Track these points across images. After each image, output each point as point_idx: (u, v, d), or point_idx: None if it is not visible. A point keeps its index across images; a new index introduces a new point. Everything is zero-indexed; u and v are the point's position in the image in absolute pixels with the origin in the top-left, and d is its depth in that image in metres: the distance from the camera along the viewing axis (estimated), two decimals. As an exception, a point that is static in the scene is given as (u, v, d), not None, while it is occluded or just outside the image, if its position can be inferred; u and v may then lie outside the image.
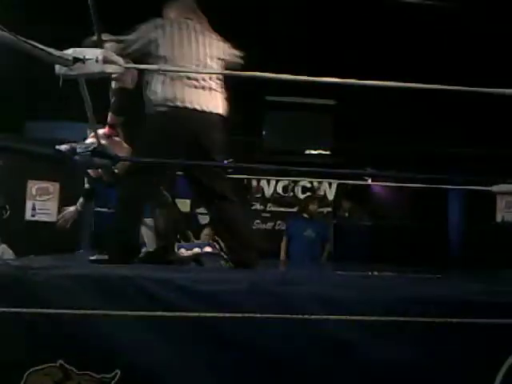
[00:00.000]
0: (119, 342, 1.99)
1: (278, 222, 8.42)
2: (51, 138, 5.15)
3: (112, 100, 3.28)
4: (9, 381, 1.94)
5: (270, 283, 2.16)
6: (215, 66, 3.11)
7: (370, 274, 3.56)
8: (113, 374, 1.96)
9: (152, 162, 2.86)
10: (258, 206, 8.53)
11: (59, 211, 4.15)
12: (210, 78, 3.05)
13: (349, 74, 2.20)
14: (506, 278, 3.14)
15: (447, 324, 2.01)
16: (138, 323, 1.99)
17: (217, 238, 3.32)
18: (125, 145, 3.29)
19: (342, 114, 7.70)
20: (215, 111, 3.04)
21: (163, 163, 2.95)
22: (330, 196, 8.54)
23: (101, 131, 3.12)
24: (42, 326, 1.96)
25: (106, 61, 1.89)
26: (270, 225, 8.50)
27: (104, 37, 2.65)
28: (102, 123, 3.24)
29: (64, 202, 4.40)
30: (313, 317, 2.00)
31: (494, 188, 3.52)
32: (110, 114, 3.27)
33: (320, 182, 8.24)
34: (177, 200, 3.70)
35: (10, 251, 5.16)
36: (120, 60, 2.01)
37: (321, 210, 7.84)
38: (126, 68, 2.24)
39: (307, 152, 8.28)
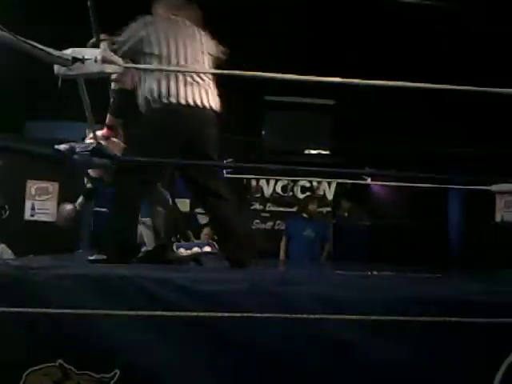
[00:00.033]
0: (119, 341, 1.99)
1: (278, 221, 8.42)
2: (51, 137, 5.15)
3: (111, 101, 3.28)
4: (8, 381, 1.94)
5: (270, 283, 2.16)
6: (206, 62, 3.12)
7: (369, 273, 3.56)
8: (112, 373, 1.96)
9: (150, 161, 2.86)
10: (257, 206, 8.54)
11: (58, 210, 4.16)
12: (204, 74, 3.06)
13: (349, 74, 2.20)
14: (505, 278, 3.14)
15: (447, 324, 2.01)
16: (138, 323, 1.99)
17: (216, 238, 3.32)
18: (123, 145, 3.29)
19: (342, 114, 7.71)
20: (209, 106, 3.04)
21: (161, 162, 2.95)
22: (330, 196, 8.54)
23: (99, 133, 3.12)
24: (42, 325, 1.96)
25: (104, 61, 1.89)
26: (269, 224, 8.50)
27: (102, 37, 2.65)
28: (102, 123, 3.24)
29: (63, 201, 4.41)
30: (313, 317, 2.00)
31: (494, 187, 3.52)
32: (108, 116, 3.27)
33: (319, 182, 8.25)
34: (177, 200, 3.70)
35: (10, 251, 5.15)
36: (119, 60, 2.01)
37: (320, 209, 7.84)
38: (125, 68, 2.24)
39: (307, 152, 8.28)
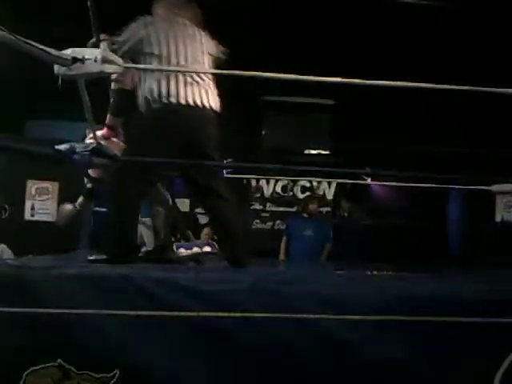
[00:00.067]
0: (119, 341, 1.99)
1: (278, 221, 8.42)
2: (51, 137, 5.16)
3: (111, 101, 3.28)
4: (8, 380, 1.94)
5: (270, 283, 2.16)
6: (206, 62, 3.12)
7: (369, 273, 3.56)
8: (112, 373, 1.96)
9: (150, 161, 2.86)
10: (257, 206, 8.53)
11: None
12: (204, 74, 3.06)
13: (348, 74, 2.20)
14: (505, 278, 3.14)
15: (447, 323, 2.02)
16: (138, 323, 1.99)
17: (216, 238, 3.32)
18: (123, 145, 3.29)
19: (341, 114, 7.70)
20: (209, 106, 3.04)
21: (161, 163, 2.95)
22: (330, 196, 8.54)
23: (99, 133, 3.12)
24: (42, 325, 1.97)
25: (104, 61, 1.89)
26: (269, 224, 8.50)
27: (102, 37, 2.65)
28: (102, 123, 3.23)
29: (63, 201, 4.41)
30: (313, 317, 2.00)
31: (494, 187, 3.52)
32: (108, 116, 3.27)
33: (319, 182, 8.24)
34: (177, 200, 3.70)
35: (10, 251, 5.15)
36: (119, 60, 2.01)
37: (320, 209, 7.84)
38: (125, 68, 2.24)
39: (306, 152, 8.28)
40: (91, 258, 2.93)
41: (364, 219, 8.24)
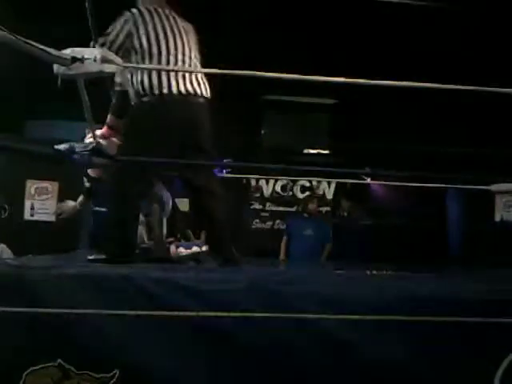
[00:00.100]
0: (118, 341, 1.99)
1: (277, 221, 8.41)
2: (51, 137, 5.15)
3: (113, 101, 3.28)
4: (8, 380, 1.94)
5: (270, 283, 2.16)
6: (194, 52, 3.13)
7: (369, 273, 3.56)
8: (112, 373, 1.96)
9: (149, 160, 2.85)
10: (256, 206, 8.53)
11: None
12: (194, 63, 3.07)
13: (348, 74, 2.20)
14: (505, 278, 3.14)
15: (447, 323, 2.02)
16: (138, 323, 1.99)
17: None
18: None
19: (341, 114, 7.70)
20: (200, 93, 3.05)
21: (160, 163, 2.95)
22: (329, 195, 8.54)
23: (99, 132, 3.12)
24: (42, 325, 1.97)
25: (104, 60, 1.89)
26: (268, 224, 8.49)
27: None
28: (102, 123, 3.24)
29: (64, 200, 4.41)
30: (313, 317, 2.00)
31: (493, 187, 3.52)
32: (109, 115, 3.27)
33: (319, 182, 8.24)
34: (177, 200, 3.70)
35: (9, 251, 5.15)
36: (118, 59, 2.01)
37: (320, 209, 7.83)
38: (124, 67, 2.24)
39: (306, 151, 8.28)
40: (91, 257, 2.93)
41: (364, 219, 8.24)
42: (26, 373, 1.93)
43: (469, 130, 6.86)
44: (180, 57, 3.03)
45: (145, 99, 2.96)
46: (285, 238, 6.70)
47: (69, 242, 5.46)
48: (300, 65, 2.86)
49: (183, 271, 2.63)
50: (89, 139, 3.06)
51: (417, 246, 7.25)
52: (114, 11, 3.00)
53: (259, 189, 8.54)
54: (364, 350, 2.02)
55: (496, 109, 5.09)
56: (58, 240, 5.04)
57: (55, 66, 1.88)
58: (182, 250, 3.42)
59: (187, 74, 3.00)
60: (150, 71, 2.94)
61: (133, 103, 3.03)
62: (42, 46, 1.73)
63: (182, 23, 3.14)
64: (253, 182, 8.50)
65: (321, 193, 8.48)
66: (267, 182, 8.53)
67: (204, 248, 3.40)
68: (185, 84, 2.98)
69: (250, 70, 2.16)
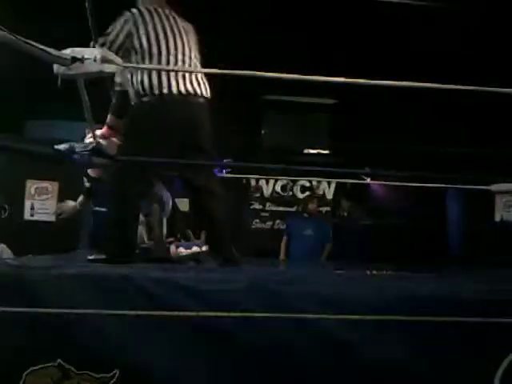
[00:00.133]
0: (118, 341, 1.99)
1: (277, 221, 8.41)
2: (51, 137, 5.15)
3: (113, 101, 3.28)
4: (8, 380, 1.94)
5: (270, 283, 2.16)
6: (194, 52, 3.13)
7: (369, 273, 3.56)
8: (112, 373, 1.96)
9: (149, 161, 2.85)
10: (256, 206, 8.53)
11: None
12: (194, 63, 3.07)
13: (348, 74, 2.20)
14: (505, 278, 3.14)
15: (447, 323, 2.02)
16: (138, 323, 1.99)
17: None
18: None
19: (341, 114, 7.70)
20: (200, 93, 3.05)
21: (161, 163, 2.95)
22: (329, 195, 8.54)
23: (99, 132, 3.12)
24: (42, 325, 1.97)
25: (104, 60, 1.89)
26: (268, 224, 8.49)
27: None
28: (102, 123, 3.24)
29: (64, 200, 4.42)
30: (313, 317, 2.00)
31: (493, 187, 3.52)
32: (109, 115, 3.27)
33: (319, 182, 8.24)
34: (177, 200, 3.70)
35: (9, 251, 5.15)
36: (118, 59, 2.01)
37: (320, 209, 7.84)
38: (124, 67, 2.24)
39: (306, 151, 8.28)
40: (91, 257, 2.93)
41: (364, 219, 8.24)
42: (25, 373, 1.93)
43: (469, 129, 6.86)
44: (180, 57, 3.03)
45: (145, 99, 2.96)
46: (285, 238, 6.71)
47: (69, 241, 5.46)
48: (300, 65, 2.86)
49: (183, 271, 2.63)
50: (89, 139, 3.06)
51: (417, 246, 7.25)
52: (114, 11, 3.00)
53: (259, 189, 8.54)
54: (364, 350, 2.02)
55: (496, 109, 5.09)
56: (58, 240, 5.04)
57: (55, 66, 1.88)
58: (182, 250, 3.42)
59: (187, 74, 3.00)
60: (149, 71, 2.94)
61: (133, 103, 3.03)
62: (42, 46, 1.73)
63: (182, 23, 3.14)
64: (253, 182, 8.50)
65: (321, 193, 8.48)
66: (267, 182, 8.53)
67: (204, 248, 3.40)
68: (185, 84, 2.98)
69: (250, 69, 2.16)
